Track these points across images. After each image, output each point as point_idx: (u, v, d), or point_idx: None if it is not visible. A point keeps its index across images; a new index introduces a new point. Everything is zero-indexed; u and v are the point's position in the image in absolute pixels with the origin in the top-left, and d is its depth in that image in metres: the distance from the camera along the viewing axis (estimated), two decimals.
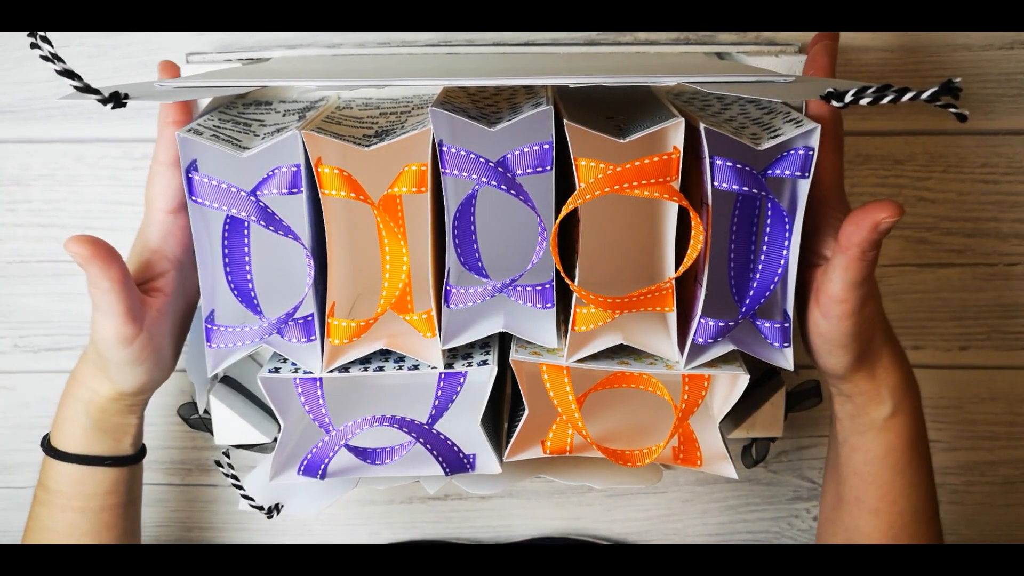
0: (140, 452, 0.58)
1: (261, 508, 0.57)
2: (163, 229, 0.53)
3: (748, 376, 0.50)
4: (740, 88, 0.43)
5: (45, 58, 0.42)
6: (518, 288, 0.49)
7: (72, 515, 0.55)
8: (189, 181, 0.46)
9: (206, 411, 0.59)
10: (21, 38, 0.61)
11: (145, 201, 0.53)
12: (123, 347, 0.50)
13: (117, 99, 0.42)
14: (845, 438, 0.53)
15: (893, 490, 0.53)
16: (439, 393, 0.51)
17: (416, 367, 0.51)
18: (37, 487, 0.56)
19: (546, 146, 0.45)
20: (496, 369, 0.51)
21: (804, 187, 0.46)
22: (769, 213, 0.47)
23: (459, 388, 0.51)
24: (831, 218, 0.50)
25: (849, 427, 0.53)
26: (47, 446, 0.56)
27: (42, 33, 0.43)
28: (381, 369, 0.52)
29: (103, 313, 0.49)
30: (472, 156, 0.45)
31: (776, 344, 0.50)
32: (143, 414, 0.57)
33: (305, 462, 0.52)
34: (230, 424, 0.58)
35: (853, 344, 0.49)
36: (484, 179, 0.45)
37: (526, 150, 0.46)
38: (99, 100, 0.42)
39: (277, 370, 0.51)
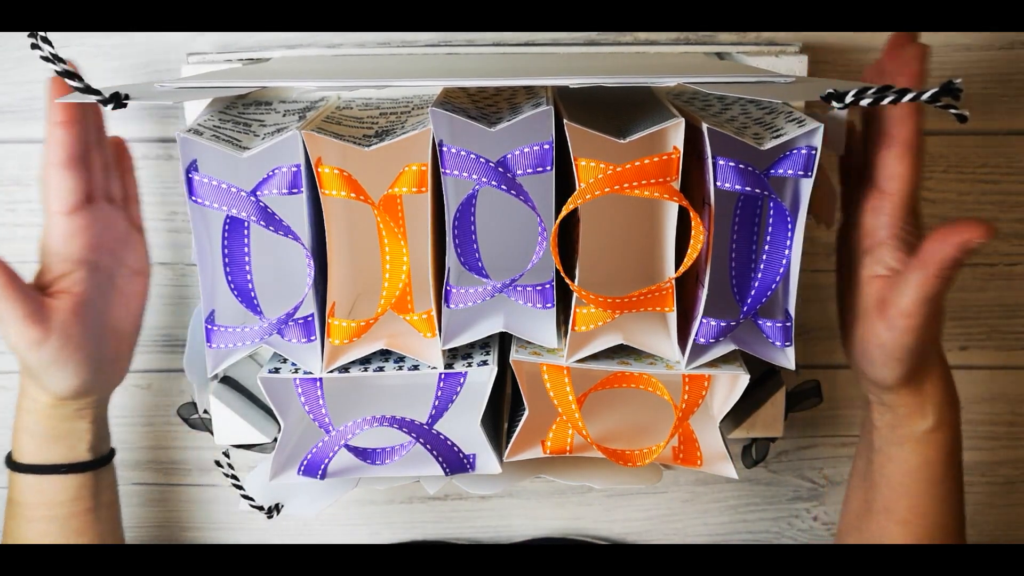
0: (102, 458, 0.58)
1: (261, 508, 0.57)
2: (62, 231, 0.52)
3: (748, 376, 0.50)
4: (741, 88, 0.43)
5: (45, 59, 0.43)
6: (518, 288, 0.49)
7: (41, 525, 0.55)
8: (189, 181, 0.46)
9: (206, 411, 0.59)
10: (21, 38, 0.61)
11: (43, 202, 0.52)
12: (34, 350, 0.51)
13: (117, 100, 0.42)
14: (881, 447, 0.53)
15: (924, 502, 0.52)
16: (439, 393, 0.51)
17: (416, 367, 0.51)
18: (7, 502, 0.57)
19: (546, 146, 0.45)
20: (496, 369, 0.51)
21: (807, 186, 0.46)
22: (771, 213, 0.47)
23: (459, 388, 0.51)
24: (901, 230, 0.49)
25: (887, 437, 0.53)
26: (7, 460, 0.56)
27: (42, 34, 0.43)
28: (381, 369, 0.52)
29: (4, 320, 0.50)
30: (472, 156, 0.45)
31: (778, 343, 0.50)
32: (99, 418, 0.57)
33: (305, 462, 0.52)
34: (230, 424, 0.58)
35: (911, 358, 0.49)
36: (484, 179, 0.45)
37: (526, 150, 0.46)
38: (99, 101, 0.42)
39: (277, 370, 0.51)
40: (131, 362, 0.58)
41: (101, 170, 0.54)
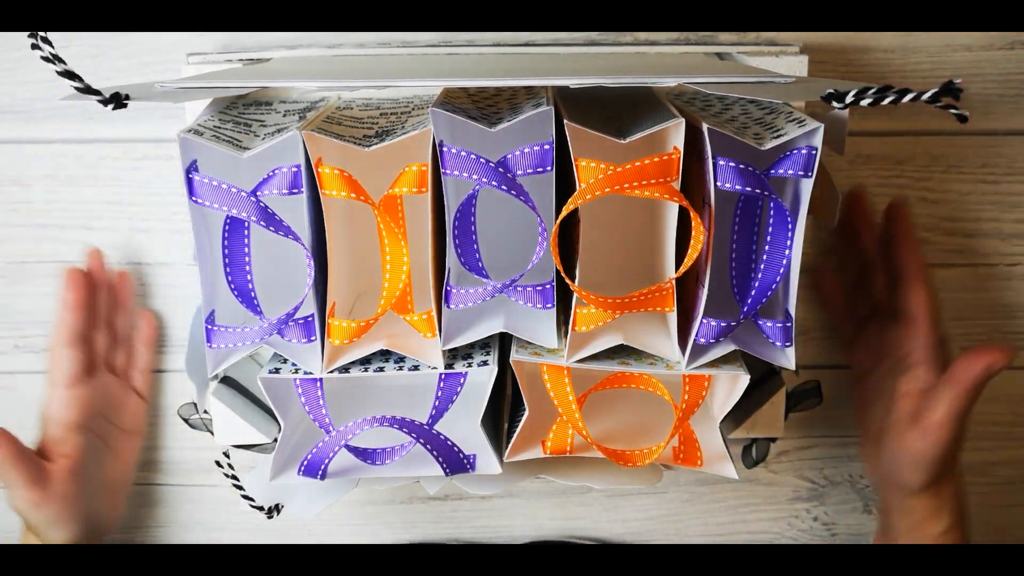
0: None
1: (261, 508, 0.57)
2: (61, 402, 0.59)
3: (748, 376, 0.50)
4: (741, 88, 0.43)
5: (46, 59, 0.43)
6: (518, 288, 0.49)
7: None
8: (189, 181, 0.46)
9: (206, 411, 0.59)
10: (21, 38, 0.61)
11: (47, 376, 0.60)
12: (35, 511, 0.57)
13: (118, 100, 0.42)
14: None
15: None
16: (439, 393, 0.51)
17: (416, 367, 0.51)
18: None
19: (546, 146, 0.45)
20: (496, 369, 0.51)
21: (807, 186, 0.46)
22: (772, 213, 0.47)
23: (459, 388, 0.51)
24: (934, 351, 0.57)
25: (905, 540, 0.58)
26: None
27: (43, 34, 0.43)
28: (381, 369, 0.52)
29: (9, 486, 0.57)
30: (472, 156, 0.45)
31: (778, 343, 0.50)
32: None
33: (305, 462, 0.52)
34: (230, 424, 0.58)
35: (938, 465, 0.55)
36: (484, 179, 0.45)
37: (526, 150, 0.45)
38: (100, 101, 0.42)
39: (277, 370, 0.51)
40: (123, 511, 0.64)
41: (108, 343, 0.63)
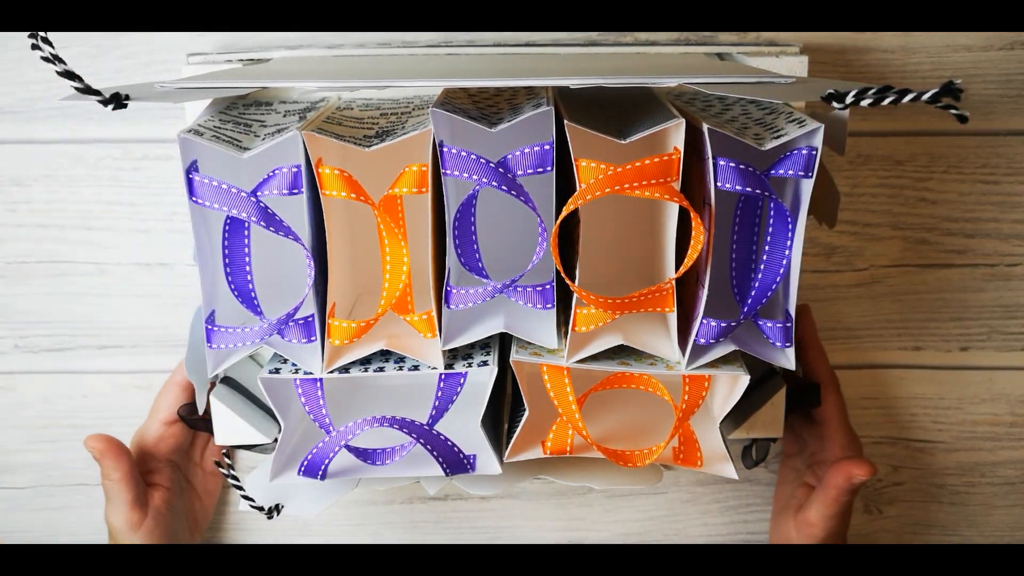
0: None
1: (261, 508, 0.57)
2: (158, 435, 0.62)
3: (748, 376, 0.50)
4: (741, 89, 0.43)
5: (46, 59, 0.42)
6: (518, 289, 0.49)
7: None
8: (189, 182, 0.46)
9: (206, 411, 0.59)
10: (21, 38, 0.61)
11: (151, 407, 0.63)
12: (132, 532, 0.59)
13: (118, 100, 0.42)
14: None
15: None
16: (439, 394, 0.51)
17: (416, 368, 0.51)
18: None
19: (547, 147, 0.45)
20: (496, 369, 0.51)
21: (807, 187, 0.46)
22: (772, 213, 0.47)
23: (459, 388, 0.51)
24: (832, 452, 0.61)
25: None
26: None
27: (43, 34, 0.43)
28: (381, 370, 0.52)
29: (113, 501, 0.59)
30: (473, 157, 0.45)
31: (778, 344, 0.50)
32: None
33: (305, 462, 0.52)
34: (230, 424, 0.58)
35: (815, 548, 0.60)
36: (485, 180, 0.45)
37: (527, 151, 0.46)
38: (100, 101, 0.42)
39: (277, 371, 0.51)
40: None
41: None
